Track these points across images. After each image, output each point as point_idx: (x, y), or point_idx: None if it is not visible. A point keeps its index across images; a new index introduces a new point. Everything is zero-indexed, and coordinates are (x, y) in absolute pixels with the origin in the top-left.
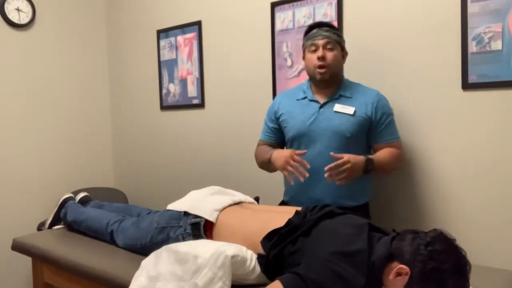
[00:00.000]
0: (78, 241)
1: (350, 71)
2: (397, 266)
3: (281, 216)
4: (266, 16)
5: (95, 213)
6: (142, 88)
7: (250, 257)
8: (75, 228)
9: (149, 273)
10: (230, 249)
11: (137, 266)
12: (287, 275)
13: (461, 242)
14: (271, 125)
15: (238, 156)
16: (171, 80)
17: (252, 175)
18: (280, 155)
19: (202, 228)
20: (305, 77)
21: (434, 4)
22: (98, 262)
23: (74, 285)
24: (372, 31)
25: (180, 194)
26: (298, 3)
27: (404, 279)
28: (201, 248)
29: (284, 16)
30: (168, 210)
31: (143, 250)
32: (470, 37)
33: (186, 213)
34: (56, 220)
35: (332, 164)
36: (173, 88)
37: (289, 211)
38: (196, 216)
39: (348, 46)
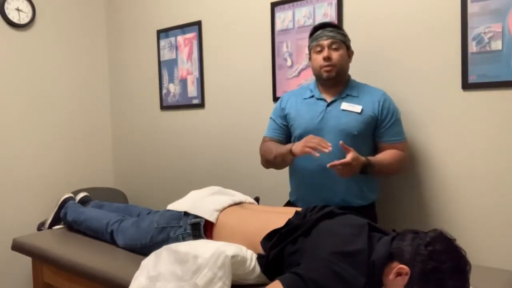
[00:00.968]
0: (78, 241)
1: (349, 71)
2: (397, 266)
3: (281, 216)
4: (266, 16)
5: (95, 213)
6: (142, 88)
7: (250, 257)
8: (75, 228)
9: (149, 273)
10: (230, 249)
11: (137, 266)
12: (287, 275)
13: (462, 242)
14: (280, 122)
15: (238, 156)
16: (171, 80)
17: (252, 175)
18: (297, 142)
19: (202, 228)
20: (305, 77)
21: (434, 4)
22: (98, 262)
23: (74, 285)
24: (372, 31)
25: (180, 194)
26: (298, 3)
27: (404, 279)
28: (201, 248)
29: (284, 16)
30: (168, 210)
31: (143, 250)
32: (470, 37)
33: (186, 213)
34: (56, 220)
35: (337, 163)
36: (173, 88)
37: (289, 211)
38: (196, 216)
39: None
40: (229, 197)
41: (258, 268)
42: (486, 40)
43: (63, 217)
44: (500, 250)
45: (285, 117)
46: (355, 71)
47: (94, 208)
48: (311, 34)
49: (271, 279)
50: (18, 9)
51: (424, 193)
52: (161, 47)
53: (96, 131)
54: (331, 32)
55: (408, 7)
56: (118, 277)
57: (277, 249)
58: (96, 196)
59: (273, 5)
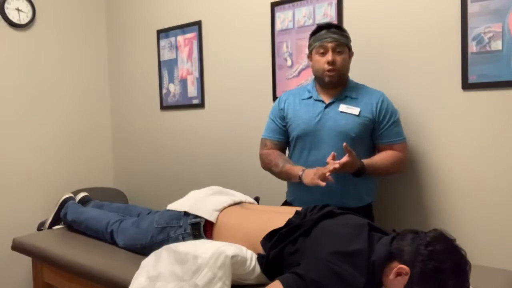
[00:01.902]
0: (78, 241)
1: (349, 71)
2: (397, 266)
3: (281, 216)
4: (266, 16)
5: (95, 213)
6: (142, 88)
7: (250, 257)
8: (75, 228)
9: (149, 273)
10: (230, 249)
11: (137, 266)
12: (287, 275)
13: (462, 242)
14: (279, 122)
15: (238, 156)
16: (171, 80)
17: (252, 175)
18: (308, 173)
19: (202, 228)
20: (305, 77)
21: (434, 4)
22: (98, 262)
23: (74, 285)
24: (371, 31)
25: (180, 194)
26: (298, 3)
27: (404, 279)
28: (201, 248)
29: (284, 16)
30: (168, 210)
31: (143, 250)
32: (470, 37)
33: (186, 213)
34: (56, 220)
35: (336, 162)
36: (173, 88)
37: (289, 211)
38: (196, 216)
39: None
40: (229, 197)
41: (258, 268)
42: (486, 40)
43: (63, 217)
44: (500, 250)
45: (283, 118)
46: (355, 71)
47: (94, 208)
48: (314, 33)
49: (271, 279)
50: (18, 9)
51: (424, 193)
52: (161, 47)
53: (96, 131)
54: (336, 34)
55: (408, 7)
56: (118, 277)
57: (277, 249)
58: (96, 196)
59: (273, 5)
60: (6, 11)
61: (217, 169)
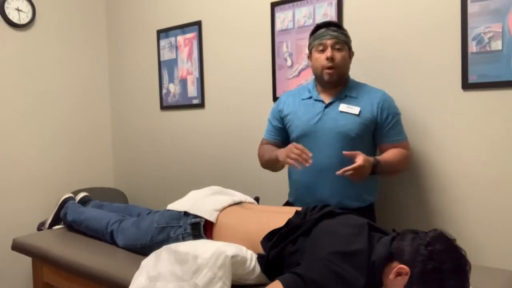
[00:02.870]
0: (78, 241)
1: (349, 71)
2: (397, 266)
3: (281, 216)
4: (266, 16)
5: (95, 213)
6: (142, 88)
7: (250, 257)
8: (75, 228)
9: (149, 273)
10: (230, 249)
11: (137, 266)
12: (287, 275)
13: (462, 242)
14: (276, 124)
15: (238, 156)
16: (171, 80)
17: (252, 175)
18: (283, 149)
19: (202, 228)
20: (305, 77)
21: (434, 4)
22: (98, 262)
23: (74, 285)
24: (372, 31)
25: (180, 194)
26: (298, 3)
27: (404, 279)
28: (201, 248)
29: (284, 16)
30: (168, 210)
31: (143, 250)
32: (470, 37)
33: (186, 213)
34: (56, 220)
35: (349, 168)
36: (173, 88)
37: (289, 211)
38: (196, 216)
39: None
40: (229, 197)
41: (258, 268)
42: (486, 40)
43: (63, 217)
44: (500, 250)
45: (281, 119)
46: (355, 71)
47: (94, 208)
48: (313, 32)
49: (271, 279)
50: (18, 9)
51: (424, 193)
52: (161, 47)
53: (96, 131)
54: (335, 32)
55: (408, 7)
56: (118, 277)
57: (277, 249)
58: (96, 196)
59: (273, 5)
60: (6, 11)
61: (217, 169)
